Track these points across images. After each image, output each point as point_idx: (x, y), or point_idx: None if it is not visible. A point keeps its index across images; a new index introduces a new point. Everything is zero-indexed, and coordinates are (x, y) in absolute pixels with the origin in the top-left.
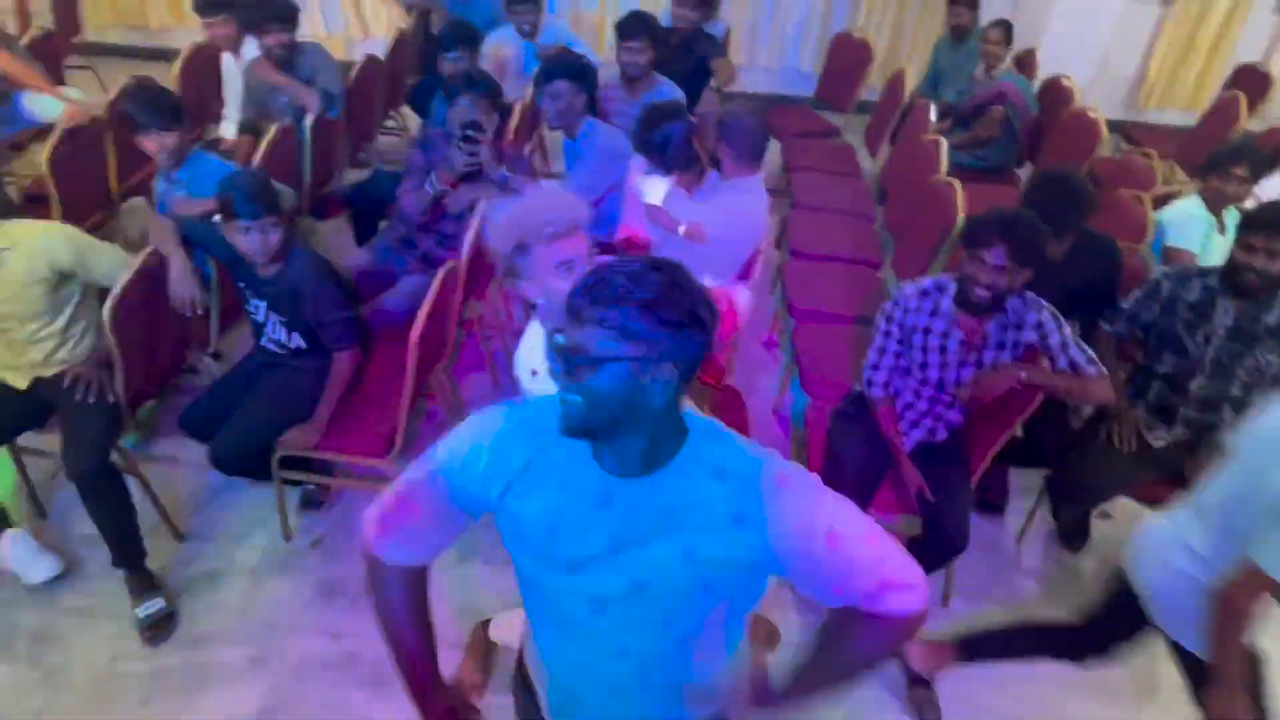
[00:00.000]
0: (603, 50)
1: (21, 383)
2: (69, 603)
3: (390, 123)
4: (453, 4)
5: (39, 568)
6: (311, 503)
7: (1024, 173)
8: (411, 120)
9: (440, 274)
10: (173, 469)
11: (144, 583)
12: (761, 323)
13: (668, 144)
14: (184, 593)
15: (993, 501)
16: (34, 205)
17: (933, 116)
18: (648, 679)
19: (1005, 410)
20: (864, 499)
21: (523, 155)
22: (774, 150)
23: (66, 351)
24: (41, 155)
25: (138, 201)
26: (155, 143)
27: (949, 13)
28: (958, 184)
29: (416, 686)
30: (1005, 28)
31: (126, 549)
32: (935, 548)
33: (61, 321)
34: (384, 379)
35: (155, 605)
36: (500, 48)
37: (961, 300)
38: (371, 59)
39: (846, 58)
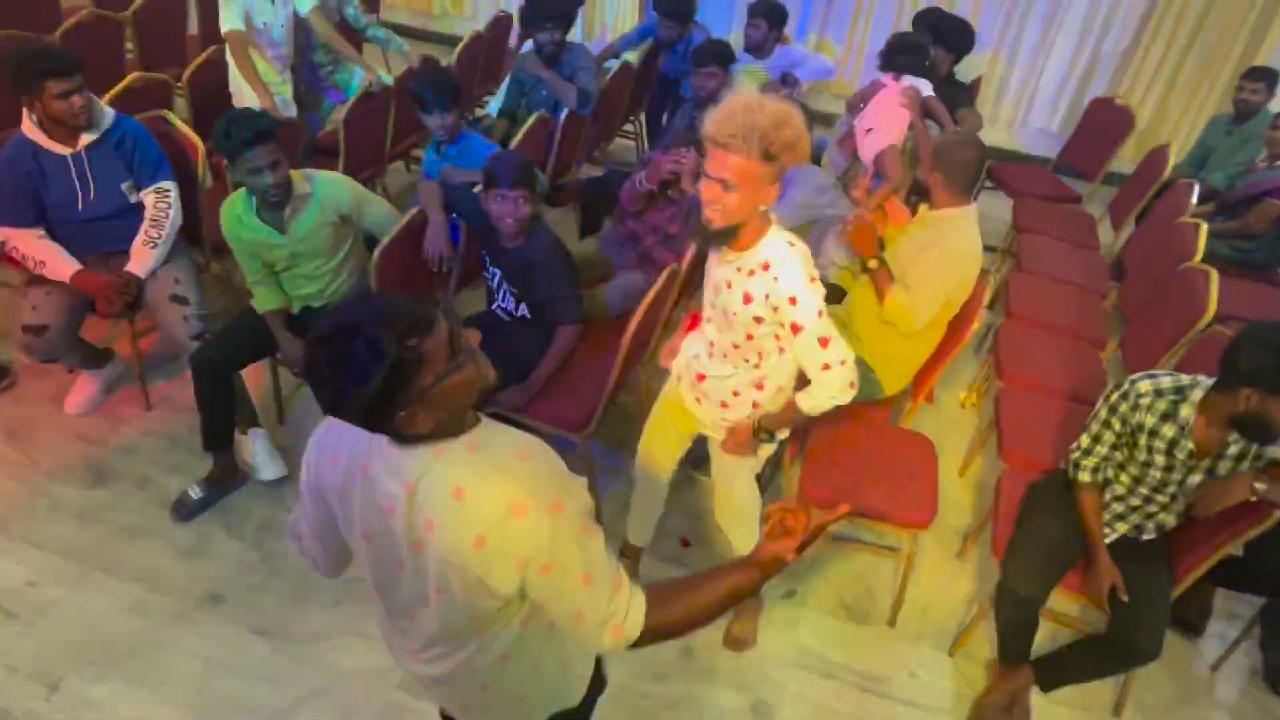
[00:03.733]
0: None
1: (294, 309)
2: (292, 501)
3: (628, 126)
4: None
5: (272, 467)
6: None
7: None
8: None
9: (663, 276)
10: None
11: None
12: (960, 381)
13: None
14: None
15: (1190, 620)
16: (321, 156)
17: (1193, 199)
18: None
19: (1230, 524)
20: (1049, 581)
21: None
22: (1004, 208)
23: (334, 288)
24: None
25: (398, 165)
26: (437, 120)
27: (1239, 87)
28: (1214, 274)
29: None
30: None
31: None
32: (1120, 651)
33: (336, 261)
34: (590, 363)
35: None
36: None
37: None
38: (626, 65)
39: (1103, 123)
